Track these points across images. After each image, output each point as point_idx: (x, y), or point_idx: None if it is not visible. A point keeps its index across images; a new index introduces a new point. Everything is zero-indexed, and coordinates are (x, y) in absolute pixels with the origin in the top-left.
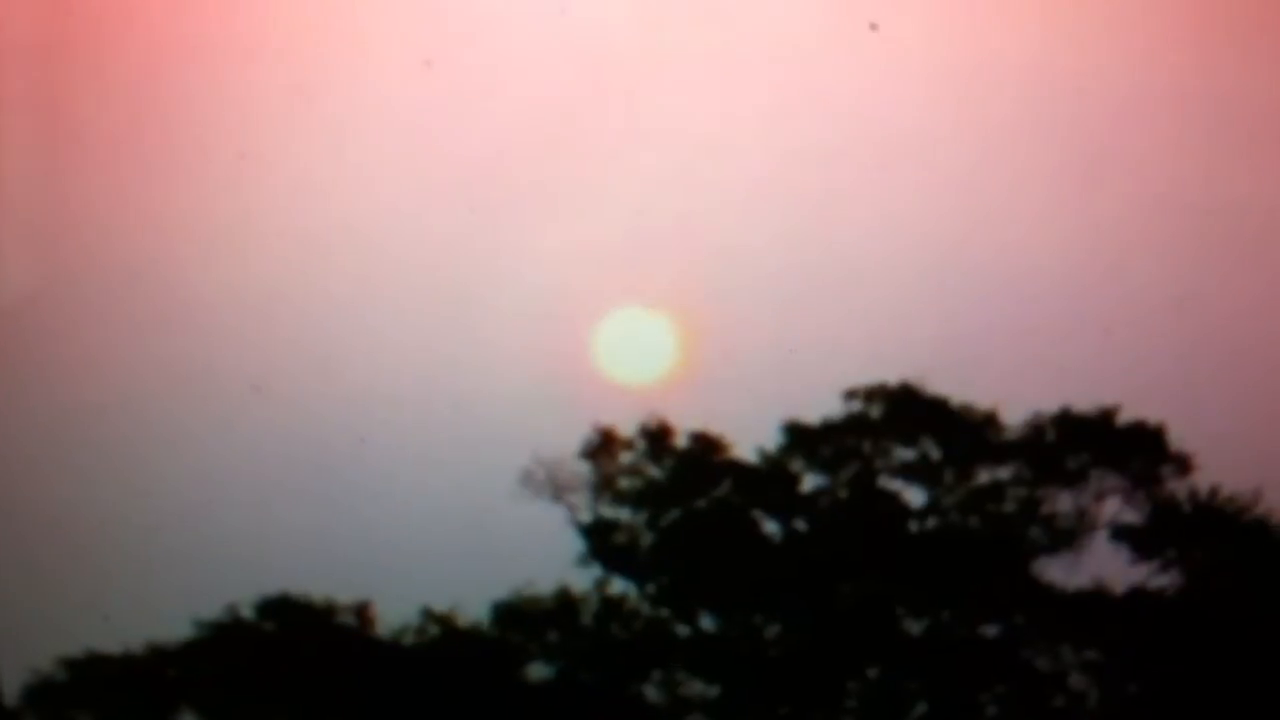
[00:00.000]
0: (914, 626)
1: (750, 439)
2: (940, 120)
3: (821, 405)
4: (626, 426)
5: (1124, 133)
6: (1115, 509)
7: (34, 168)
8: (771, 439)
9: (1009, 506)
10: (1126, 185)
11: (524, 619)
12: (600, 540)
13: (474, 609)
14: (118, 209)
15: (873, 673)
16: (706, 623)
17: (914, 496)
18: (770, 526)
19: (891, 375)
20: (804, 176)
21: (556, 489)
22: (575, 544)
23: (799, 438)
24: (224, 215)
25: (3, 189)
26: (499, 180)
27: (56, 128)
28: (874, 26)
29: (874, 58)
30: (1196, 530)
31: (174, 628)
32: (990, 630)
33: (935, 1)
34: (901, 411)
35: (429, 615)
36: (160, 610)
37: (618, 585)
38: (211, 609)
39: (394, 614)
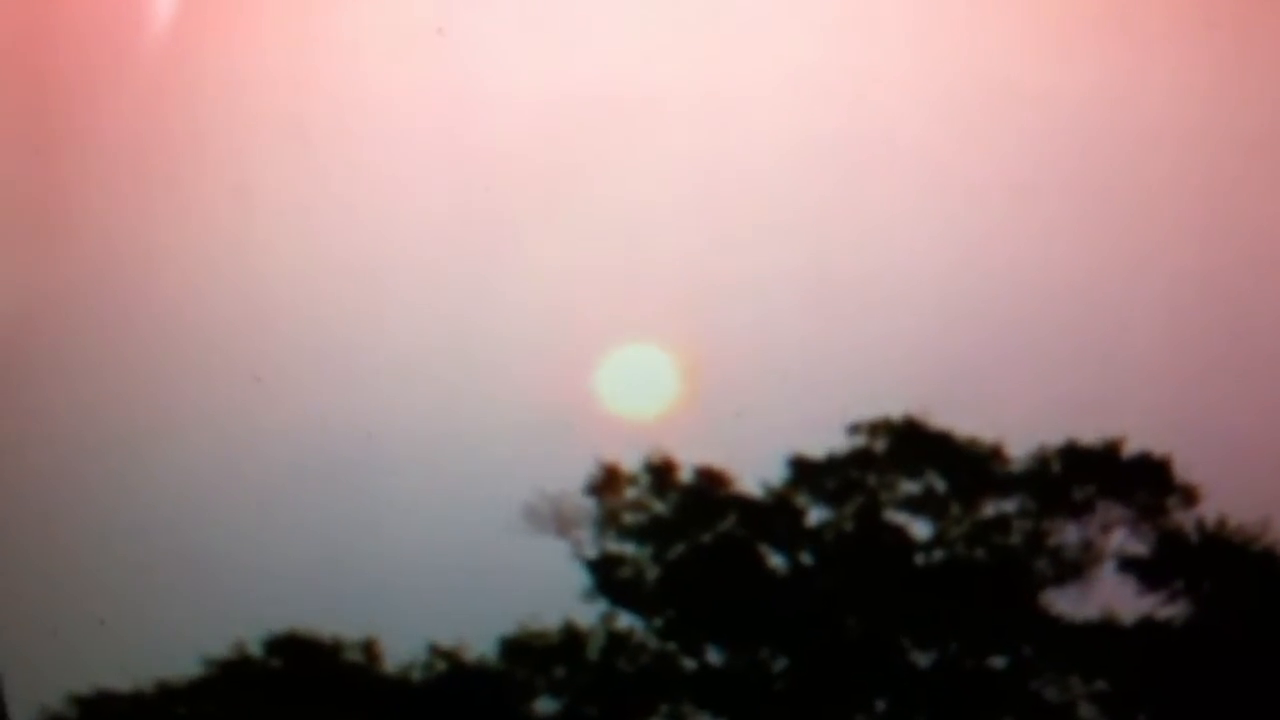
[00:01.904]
0: (921, 659)
1: (754, 473)
2: (938, 139)
3: (826, 439)
4: (630, 461)
5: (1134, 153)
6: (1122, 540)
7: (26, 194)
8: (776, 473)
9: (1015, 538)
10: (1134, 209)
11: (530, 653)
12: (605, 575)
13: (480, 644)
14: (117, 201)
15: (881, 705)
16: (713, 656)
17: (919, 529)
18: (776, 560)
19: (895, 408)
20: (811, 204)
21: (560, 524)
22: (580, 578)
23: (803, 471)
24: (220, 232)
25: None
26: (503, 189)
27: (48, 151)
28: None
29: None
30: (1204, 561)
31: (171, 650)
32: (998, 661)
33: None
34: (906, 444)
35: (435, 650)
36: (158, 627)
37: (624, 619)
38: (206, 638)
39: (400, 649)
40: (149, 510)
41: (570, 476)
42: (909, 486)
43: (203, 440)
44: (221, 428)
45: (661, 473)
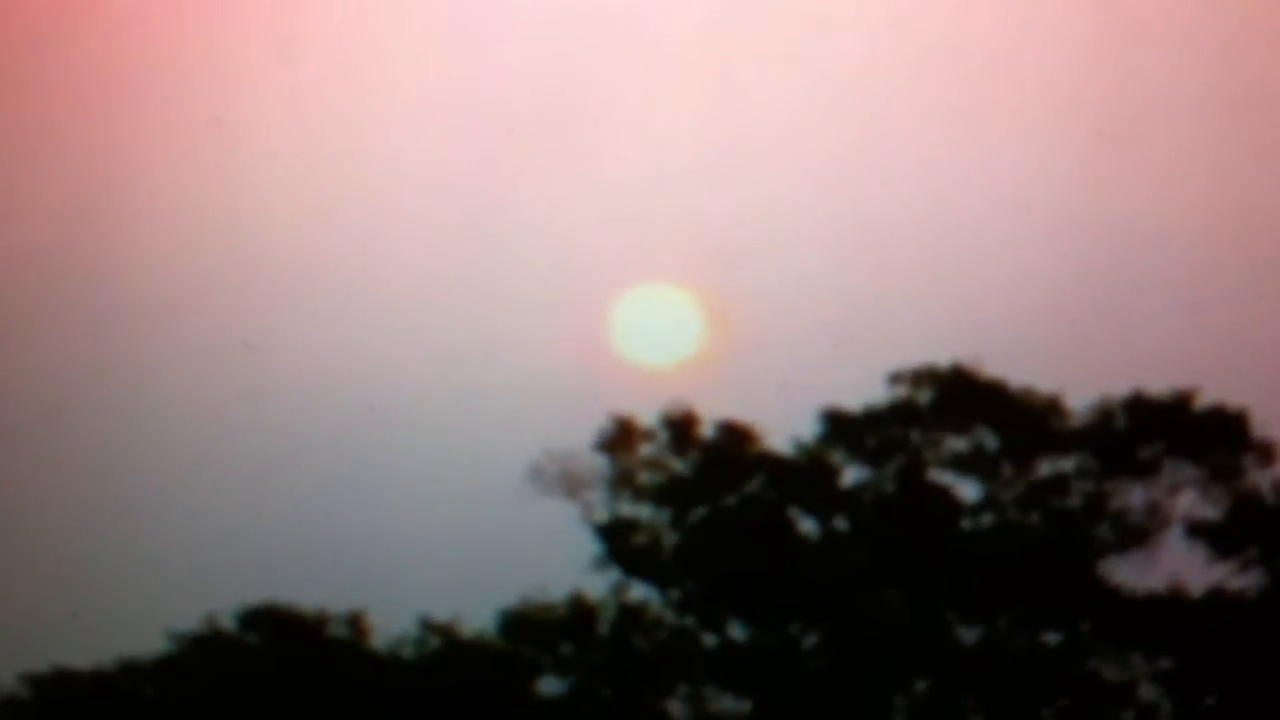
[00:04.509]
0: (967, 635)
1: (784, 428)
2: (993, 74)
3: (864, 390)
4: (647, 415)
5: (1198, 90)
6: (1191, 503)
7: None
8: (808, 428)
9: (1073, 501)
10: (1203, 151)
11: (534, 629)
12: (618, 541)
13: (479, 618)
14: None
15: (921, 686)
16: (736, 632)
17: (967, 491)
18: (807, 525)
19: (942, 356)
20: (845, 136)
21: (569, 485)
22: (590, 545)
23: (839, 427)
24: (206, 177)
25: None
26: (514, 124)
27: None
28: None
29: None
30: None
31: (147, 632)
32: (1052, 638)
33: None
34: (953, 397)
35: (429, 625)
36: (133, 612)
37: (638, 591)
38: (188, 614)
39: (391, 624)
40: (132, 491)
41: (581, 433)
42: (956, 444)
43: (188, 415)
44: (208, 402)
45: (681, 428)
